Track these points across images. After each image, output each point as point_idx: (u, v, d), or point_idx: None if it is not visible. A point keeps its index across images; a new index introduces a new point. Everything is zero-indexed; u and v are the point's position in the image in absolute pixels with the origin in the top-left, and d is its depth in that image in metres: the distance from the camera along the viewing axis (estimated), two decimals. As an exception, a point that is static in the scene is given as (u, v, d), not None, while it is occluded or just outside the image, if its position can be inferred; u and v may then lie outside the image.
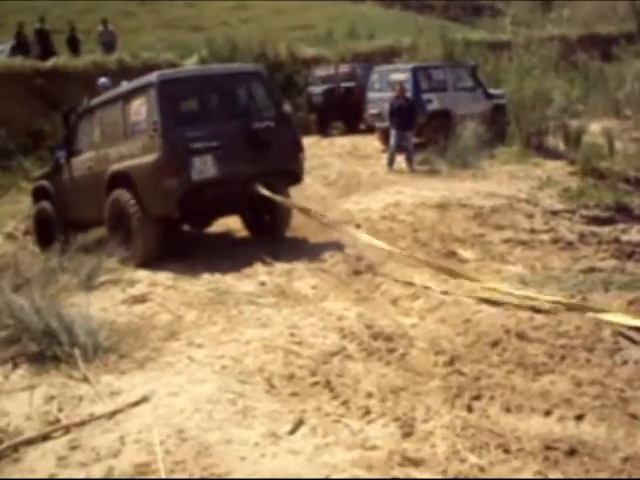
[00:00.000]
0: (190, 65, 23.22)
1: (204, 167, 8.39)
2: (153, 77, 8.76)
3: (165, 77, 8.75)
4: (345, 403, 4.71)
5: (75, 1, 35.77)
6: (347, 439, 4.24)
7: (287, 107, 9.77)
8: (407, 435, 4.28)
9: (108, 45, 23.28)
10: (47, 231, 10.44)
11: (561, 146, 15.90)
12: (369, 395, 4.81)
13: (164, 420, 4.46)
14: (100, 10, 34.11)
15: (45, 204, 10.65)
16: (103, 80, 14.20)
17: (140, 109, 8.68)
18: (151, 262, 8.38)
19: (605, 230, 10.35)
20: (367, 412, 4.57)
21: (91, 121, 9.81)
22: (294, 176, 9.19)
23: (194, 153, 8.33)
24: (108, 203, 8.86)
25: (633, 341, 5.84)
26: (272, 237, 9.20)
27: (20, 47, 21.39)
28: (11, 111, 18.47)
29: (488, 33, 30.88)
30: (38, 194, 11.03)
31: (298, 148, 9.23)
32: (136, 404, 4.72)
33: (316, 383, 5.02)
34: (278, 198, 8.80)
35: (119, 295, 7.37)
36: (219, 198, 8.70)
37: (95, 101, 10.12)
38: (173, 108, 8.58)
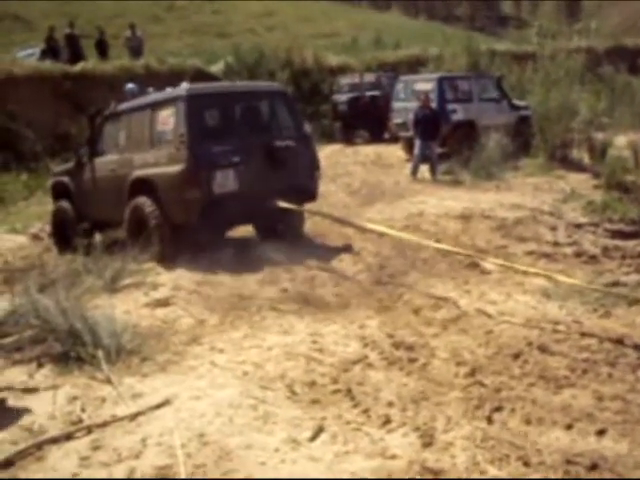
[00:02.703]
0: (216, 71, 23.42)
1: (225, 181, 8.70)
2: (183, 90, 9.11)
3: (194, 92, 9.03)
4: (366, 411, 4.71)
5: (105, 4, 36.18)
6: (367, 447, 4.25)
7: (307, 127, 10.08)
8: (427, 445, 4.28)
9: (135, 50, 23.49)
10: (65, 231, 10.69)
11: (586, 159, 15.83)
12: (390, 404, 4.82)
13: (185, 423, 4.50)
14: (128, 15, 34.51)
15: (63, 203, 10.92)
16: (130, 86, 14.38)
17: (168, 120, 8.93)
18: (174, 266, 8.46)
19: (629, 244, 10.25)
20: (387, 421, 4.57)
21: (117, 125, 10.02)
22: (309, 194, 9.52)
23: (217, 167, 8.64)
24: (129, 209, 9.08)
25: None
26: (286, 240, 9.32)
27: (50, 51, 21.65)
28: (39, 114, 18.70)
29: (514, 44, 30.86)
30: (57, 190, 11.27)
31: (315, 168, 9.63)
32: (158, 407, 4.77)
33: (337, 391, 5.03)
34: (299, 208, 9.12)
35: (142, 298, 7.42)
36: (237, 210, 8.89)
37: (123, 106, 10.29)
38: (200, 122, 8.84)
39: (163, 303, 7.22)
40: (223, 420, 4.56)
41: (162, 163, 8.84)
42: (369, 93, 21.34)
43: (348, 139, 21.54)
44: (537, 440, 4.38)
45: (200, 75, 22.52)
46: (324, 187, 10.31)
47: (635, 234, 10.98)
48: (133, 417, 4.64)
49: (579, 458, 4.15)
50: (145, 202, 8.87)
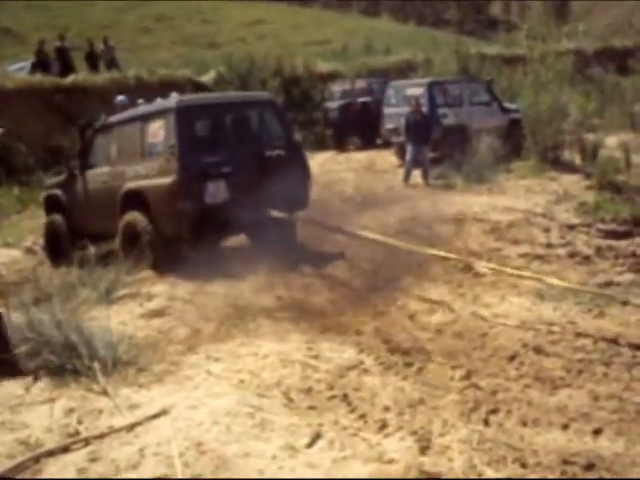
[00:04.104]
0: (207, 80, 23.45)
1: (217, 192, 8.77)
2: (172, 102, 9.20)
3: (184, 103, 9.12)
4: (362, 417, 4.72)
5: (95, 16, 36.17)
6: (364, 453, 4.25)
7: (297, 136, 10.12)
8: (424, 449, 4.28)
9: (109, 62, 23.31)
10: (57, 244, 10.75)
11: (577, 160, 15.86)
12: (386, 409, 4.82)
13: (183, 433, 4.49)
14: (118, 27, 34.54)
15: (55, 217, 10.96)
16: (121, 98, 14.39)
17: (158, 132, 8.99)
18: (168, 277, 8.47)
19: (622, 244, 10.29)
20: (384, 426, 4.58)
21: (108, 137, 10.07)
22: (301, 203, 9.53)
23: (208, 178, 8.68)
24: (122, 224, 9.12)
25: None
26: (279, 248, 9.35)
27: (40, 64, 21.65)
28: (31, 127, 18.72)
29: (503, 47, 30.93)
30: (50, 203, 11.29)
31: (306, 176, 9.63)
32: (155, 417, 4.75)
33: (333, 397, 5.04)
34: (291, 217, 9.19)
35: (137, 309, 7.43)
36: (229, 221, 8.90)
37: (113, 118, 10.33)
38: (190, 133, 8.90)
39: (158, 313, 7.23)
40: (220, 429, 4.55)
41: (153, 175, 8.89)
42: (360, 99, 21.38)
43: (340, 146, 21.56)
44: (534, 441, 4.39)
45: (192, 85, 22.56)
46: (317, 194, 10.33)
47: (628, 234, 11.02)
48: (130, 428, 4.63)
49: (576, 458, 4.17)
50: (137, 217, 8.89)
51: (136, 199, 9.01)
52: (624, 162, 14.90)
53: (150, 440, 4.43)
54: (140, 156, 9.24)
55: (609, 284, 8.24)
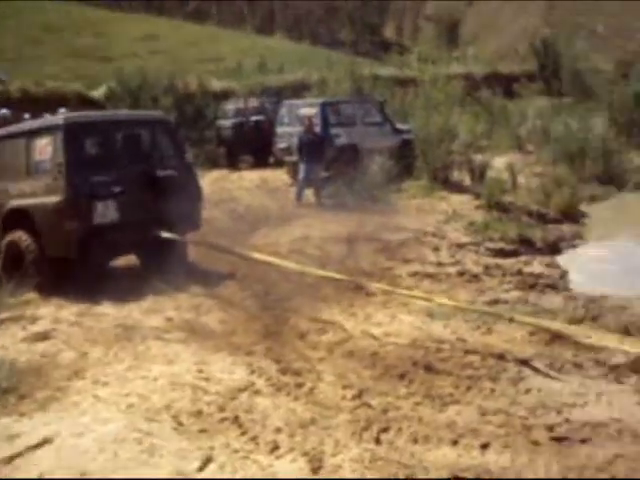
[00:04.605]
0: (98, 96, 22.96)
1: (106, 211, 8.57)
2: (60, 119, 8.96)
3: (72, 120, 8.88)
4: (254, 439, 4.67)
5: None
6: (256, 474, 4.21)
7: (190, 156, 10.00)
8: (316, 469, 4.27)
9: None
10: None
11: (467, 180, 16.33)
12: (278, 430, 4.78)
13: (67, 462, 4.32)
14: (4, 37, 33.36)
15: None
16: (3, 111, 13.97)
17: (45, 149, 8.71)
18: (54, 299, 8.19)
19: (509, 262, 10.64)
20: (276, 447, 4.54)
21: None
22: (192, 224, 9.38)
23: (97, 198, 8.48)
24: (4, 244, 8.80)
25: (535, 370, 6.02)
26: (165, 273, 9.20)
27: None
28: None
29: (396, 69, 31.57)
30: None
31: (197, 197, 9.48)
32: (37, 447, 4.55)
33: (224, 419, 4.96)
34: (180, 238, 9.04)
35: (20, 333, 7.12)
36: (118, 241, 8.77)
37: None
38: (78, 152, 8.67)
39: (43, 337, 6.94)
40: (107, 456, 4.40)
41: (39, 193, 8.60)
42: (253, 118, 21.39)
43: (233, 164, 21.48)
44: (424, 457, 4.45)
45: (81, 100, 22.04)
46: (208, 213, 10.23)
47: (514, 252, 11.43)
48: (9, 460, 4.40)
49: (465, 473, 4.24)
50: (21, 236, 8.57)
51: (21, 218, 8.69)
52: (511, 183, 15.46)
53: (31, 472, 4.23)
54: (26, 173, 8.93)
55: (496, 302, 8.48)
